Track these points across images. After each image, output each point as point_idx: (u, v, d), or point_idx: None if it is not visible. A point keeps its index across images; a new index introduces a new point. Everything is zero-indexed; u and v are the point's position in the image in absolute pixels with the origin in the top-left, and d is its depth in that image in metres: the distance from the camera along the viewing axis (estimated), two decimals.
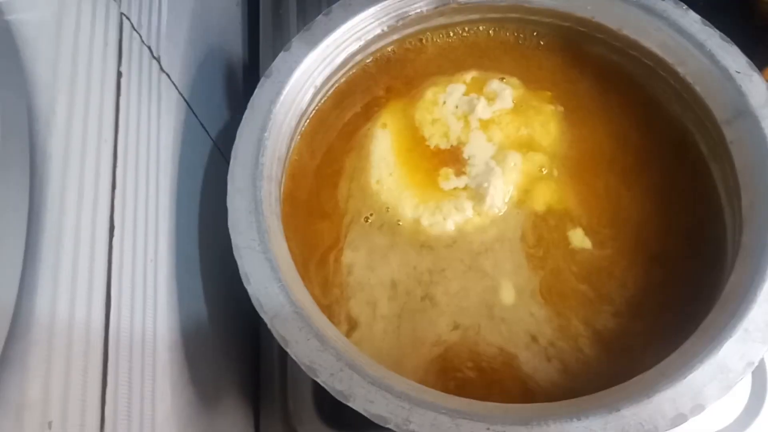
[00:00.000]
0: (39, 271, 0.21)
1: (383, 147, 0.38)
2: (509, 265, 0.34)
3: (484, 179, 0.36)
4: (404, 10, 0.39)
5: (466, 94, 0.38)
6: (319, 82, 0.37)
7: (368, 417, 0.27)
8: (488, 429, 0.27)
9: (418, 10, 0.39)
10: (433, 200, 0.36)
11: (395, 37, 0.40)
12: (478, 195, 0.36)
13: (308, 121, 0.38)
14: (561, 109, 0.38)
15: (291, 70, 0.36)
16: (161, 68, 0.34)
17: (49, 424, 0.21)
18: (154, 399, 0.28)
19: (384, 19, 0.38)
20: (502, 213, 0.35)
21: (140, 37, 0.32)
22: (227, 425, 0.37)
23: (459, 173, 0.37)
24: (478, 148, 0.37)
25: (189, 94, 0.38)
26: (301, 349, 0.29)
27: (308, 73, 0.36)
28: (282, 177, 0.36)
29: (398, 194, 0.36)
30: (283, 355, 0.41)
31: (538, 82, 0.39)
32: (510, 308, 0.33)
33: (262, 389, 0.42)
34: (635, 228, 0.35)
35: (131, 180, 0.29)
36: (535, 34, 0.40)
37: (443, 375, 0.32)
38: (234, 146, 0.34)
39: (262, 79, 0.35)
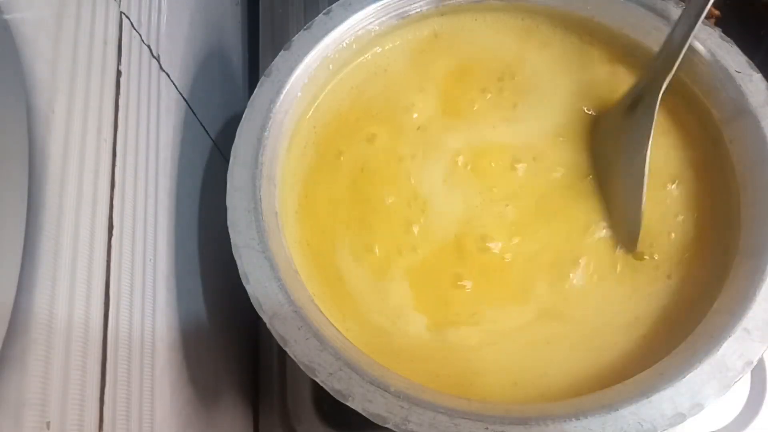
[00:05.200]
0: (37, 270, 0.21)
1: None
2: None
3: None
4: (404, 9, 0.39)
5: None
6: (319, 81, 0.37)
7: (367, 416, 0.27)
8: (487, 429, 0.27)
9: (418, 10, 0.39)
10: None
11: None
12: None
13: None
14: None
15: (291, 70, 0.36)
16: (161, 67, 0.34)
17: (48, 423, 0.21)
18: (153, 398, 0.28)
19: (384, 19, 0.38)
20: None
21: (140, 36, 0.32)
22: (226, 424, 0.37)
23: None
24: None
25: (189, 93, 0.38)
26: (300, 348, 0.29)
27: (308, 72, 0.36)
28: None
29: None
30: (282, 354, 0.41)
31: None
32: None
33: (261, 388, 0.42)
34: None
35: (130, 179, 0.29)
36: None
37: None
38: (234, 145, 0.34)
39: (262, 78, 0.35)
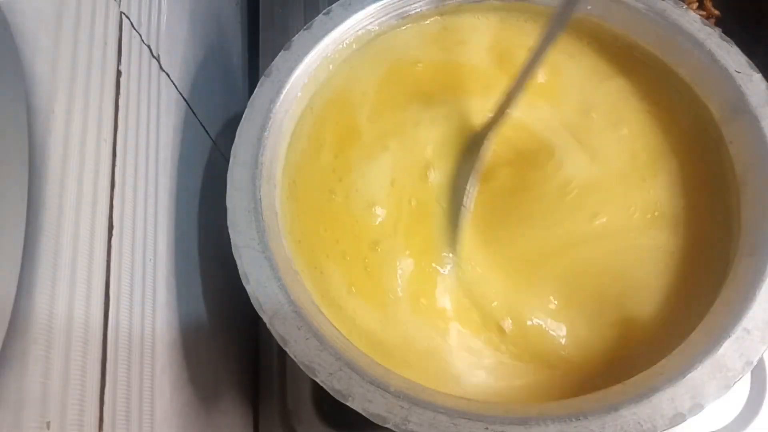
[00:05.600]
0: (38, 269, 0.21)
1: None
2: None
3: None
4: (404, 9, 0.39)
5: None
6: (319, 81, 0.37)
7: (367, 416, 0.27)
8: (487, 429, 0.27)
9: (418, 9, 0.39)
10: None
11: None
12: None
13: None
14: None
15: (291, 70, 0.36)
16: (161, 67, 0.34)
17: (48, 423, 0.21)
18: (153, 398, 0.28)
19: (384, 19, 0.38)
20: None
21: (140, 36, 0.32)
22: (226, 424, 0.37)
23: None
24: None
25: (188, 93, 0.38)
26: (300, 348, 0.29)
27: (308, 72, 0.36)
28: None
29: None
30: (282, 354, 0.41)
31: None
32: None
33: (261, 388, 0.42)
34: None
35: (130, 179, 0.29)
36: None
37: None
38: (234, 145, 0.34)
39: (262, 78, 0.35)
